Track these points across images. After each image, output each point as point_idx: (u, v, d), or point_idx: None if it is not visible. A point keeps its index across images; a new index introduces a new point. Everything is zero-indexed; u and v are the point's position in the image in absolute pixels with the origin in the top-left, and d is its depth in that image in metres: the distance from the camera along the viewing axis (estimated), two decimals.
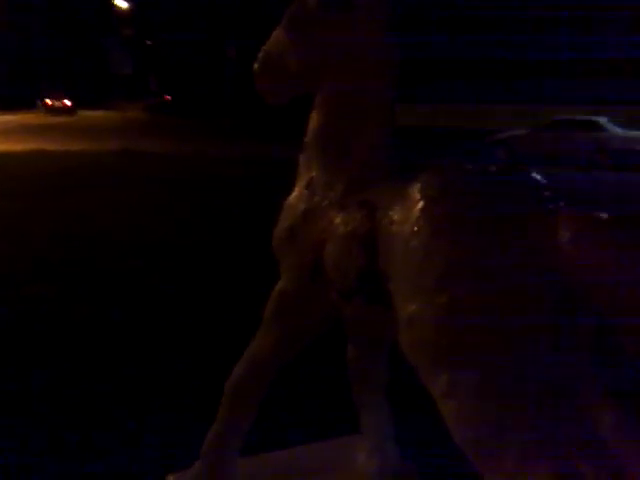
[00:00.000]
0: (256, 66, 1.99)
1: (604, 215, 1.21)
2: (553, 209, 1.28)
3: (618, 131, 15.98)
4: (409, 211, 1.42)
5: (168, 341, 3.96)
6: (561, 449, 1.21)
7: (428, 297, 1.33)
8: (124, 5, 47.21)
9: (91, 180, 11.05)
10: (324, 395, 2.97)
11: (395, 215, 1.48)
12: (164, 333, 4.08)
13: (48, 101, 41.62)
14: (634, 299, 1.13)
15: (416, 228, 1.38)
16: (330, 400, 2.85)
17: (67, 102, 41.45)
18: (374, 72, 1.77)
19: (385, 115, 1.79)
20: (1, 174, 11.65)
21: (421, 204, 1.39)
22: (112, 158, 14.57)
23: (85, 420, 2.98)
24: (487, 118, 22.68)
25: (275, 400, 2.11)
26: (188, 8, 40.17)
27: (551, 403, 1.24)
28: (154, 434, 2.83)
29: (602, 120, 16.21)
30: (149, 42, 50.61)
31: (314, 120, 1.86)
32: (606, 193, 10.04)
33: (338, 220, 1.67)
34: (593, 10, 23.62)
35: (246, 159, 14.25)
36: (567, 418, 1.25)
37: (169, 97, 46.89)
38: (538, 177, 1.41)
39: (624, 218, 1.20)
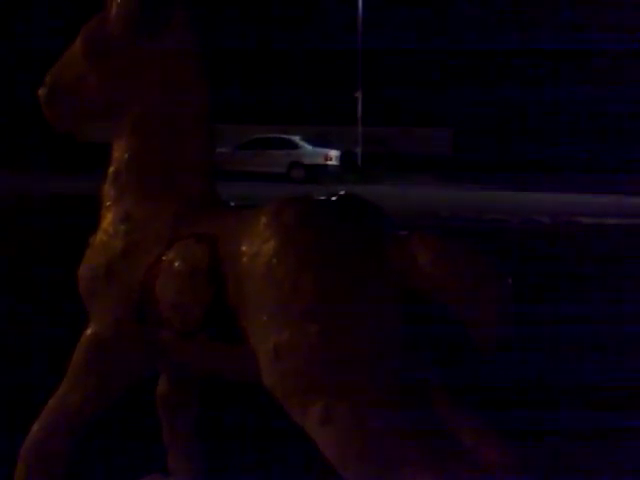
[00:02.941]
0: (43, 91, 1.78)
1: (449, 237, 1.38)
2: (406, 234, 1.40)
3: (308, 148, 17.64)
4: (264, 243, 1.42)
5: None
6: (441, 455, 1.32)
7: (297, 327, 1.34)
8: None
9: None
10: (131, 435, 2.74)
11: (244, 247, 1.46)
12: None
13: None
14: (488, 304, 1.31)
15: (276, 259, 1.39)
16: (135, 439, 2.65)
17: None
18: (188, 98, 1.72)
19: (204, 142, 1.75)
20: None
21: (279, 235, 1.40)
22: None
23: None
24: None
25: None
26: None
27: (418, 412, 1.36)
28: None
29: (295, 138, 17.75)
30: None
31: (122, 149, 1.73)
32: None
33: (171, 256, 1.58)
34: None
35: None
36: (433, 423, 1.37)
37: None
38: (375, 204, 1.52)
39: (465, 238, 1.38)
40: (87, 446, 1.90)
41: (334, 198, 1.51)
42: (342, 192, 1.56)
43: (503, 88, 22.92)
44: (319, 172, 17.06)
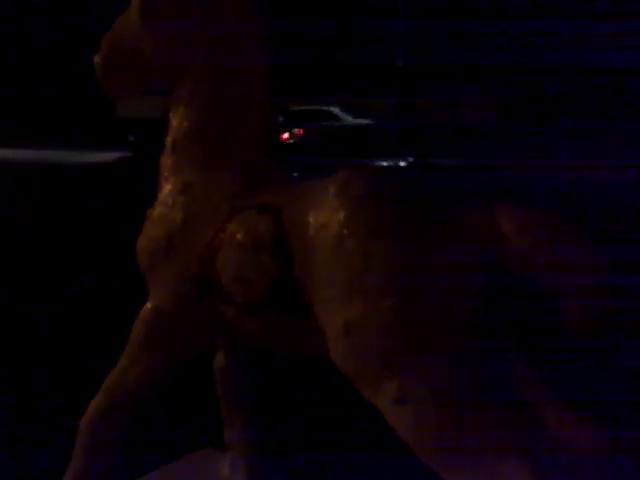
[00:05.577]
0: (98, 58, 1.73)
1: (533, 205, 1.28)
2: (487, 203, 1.31)
3: (349, 119, 17.34)
4: (333, 213, 1.34)
5: None
6: (526, 439, 1.24)
7: (372, 300, 1.27)
8: None
9: None
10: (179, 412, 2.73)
11: (311, 218, 1.39)
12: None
13: None
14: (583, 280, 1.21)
15: (346, 230, 1.31)
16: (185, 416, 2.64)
17: None
18: (249, 61, 1.65)
19: (265, 109, 1.68)
20: None
21: (349, 205, 1.33)
22: None
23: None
24: None
25: None
26: None
27: (500, 393, 1.28)
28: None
29: (335, 110, 17.46)
30: None
31: (180, 117, 1.67)
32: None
33: (233, 227, 1.52)
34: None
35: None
36: (516, 406, 1.29)
37: None
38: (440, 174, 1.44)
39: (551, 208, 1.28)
40: (142, 421, 1.89)
41: (403, 165, 1.43)
42: (411, 160, 1.47)
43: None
44: (361, 144, 16.82)
